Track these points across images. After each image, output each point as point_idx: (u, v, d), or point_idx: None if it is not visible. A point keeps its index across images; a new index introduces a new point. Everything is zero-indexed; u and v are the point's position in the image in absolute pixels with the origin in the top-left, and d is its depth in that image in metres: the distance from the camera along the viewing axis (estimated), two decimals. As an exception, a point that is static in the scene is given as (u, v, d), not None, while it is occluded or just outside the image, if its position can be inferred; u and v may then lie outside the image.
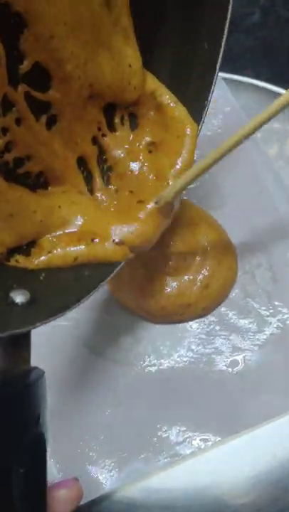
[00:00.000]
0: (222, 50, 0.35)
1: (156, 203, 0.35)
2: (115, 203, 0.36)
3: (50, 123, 0.33)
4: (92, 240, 0.34)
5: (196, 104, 0.36)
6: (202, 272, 0.45)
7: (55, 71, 0.31)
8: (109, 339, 0.45)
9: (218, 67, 0.35)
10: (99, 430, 0.42)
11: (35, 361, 0.39)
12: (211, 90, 0.36)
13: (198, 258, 0.46)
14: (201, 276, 0.45)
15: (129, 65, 0.34)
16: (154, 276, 0.45)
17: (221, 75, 0.53)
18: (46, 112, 0.32)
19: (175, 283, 0.45)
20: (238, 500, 0.40)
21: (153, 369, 0.43)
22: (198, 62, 0.36)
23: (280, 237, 0.47)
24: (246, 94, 0.55)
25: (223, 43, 0.34)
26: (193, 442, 0.41)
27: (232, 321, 0.45)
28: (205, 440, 0.41)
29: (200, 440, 0.41)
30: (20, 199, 0.32)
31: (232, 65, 0.57)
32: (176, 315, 0.45)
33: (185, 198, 0.49)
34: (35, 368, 0.31)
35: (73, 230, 0.34)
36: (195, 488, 0.40)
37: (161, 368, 0.43)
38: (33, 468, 0.29)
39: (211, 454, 0.41)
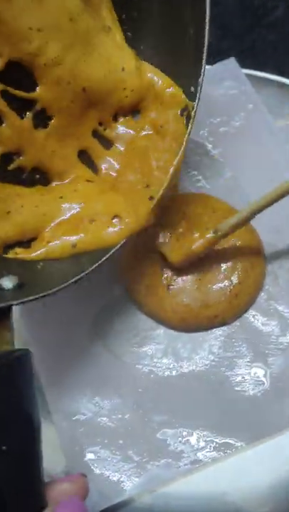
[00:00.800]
0: (207, 34, 0.34)
1: (214, 232, 0.40)
2: (122, 185, 0.36)
3: (44, 122, 0.34)
4: (91, 222, 0.34)
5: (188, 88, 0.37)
6: (232, 278, 0.44)
7: (41, 73, 0.32)
8: (130, 343, 0.44)
9: (205, 53, 0.35)
10: (119, 434, 0.41)
11: (55, 362, 0.39)
12: (201, 78, 0.36)
13: (228, 263, 0.44)
14: (229, 285, 0.44)
15: (122, 69, 0.34)
16: (174, 286, 0.44)
17: (244, 71, 0.52)
18: (31, 110, 0.33)
19: (199, 294, 0.43)
20: (259, 509, 0.39)
21: (173, 372, 0.43)
22: (186, 49, 0.36)
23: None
24: (269, 90, 0.54)
25: (207, 28, 0.34)
26: (215, 448, 0.40)
27: (254, 323, 0.43)
28: (227, 445, 0.40)
29: (221, 445, 0.40)
30: (17, 197, 0.32)
31: (255, 61, 0.56)
32: (200, 326, 0.44)
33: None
34: (20, 349, 0.30)
35: (71, 215, 0.34)
36: (215, 496, 0.40)
37: (181, 371, 0.43)
38: (21, 449, 0.28)
39: (232, 460, 0.40)
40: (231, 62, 0.53)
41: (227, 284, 0.43)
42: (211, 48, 0.51)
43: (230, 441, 0.40)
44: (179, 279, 0.44)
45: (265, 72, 0.55)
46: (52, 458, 0.40)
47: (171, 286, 0.44)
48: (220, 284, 0.44)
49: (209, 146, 0.51)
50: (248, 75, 0.53)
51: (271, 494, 0.39)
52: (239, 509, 0.39)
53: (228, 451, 0.40)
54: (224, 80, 0.52)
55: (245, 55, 0.56)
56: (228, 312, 0.44)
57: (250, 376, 0.42)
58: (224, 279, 0.44)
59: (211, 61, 0.54)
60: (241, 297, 0.44)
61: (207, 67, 0.52)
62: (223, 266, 0.44)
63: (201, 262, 0.44)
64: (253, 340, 0.43)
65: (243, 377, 0.42)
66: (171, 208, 0.44)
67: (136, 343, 0.44)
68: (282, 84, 0.54)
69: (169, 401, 0.42)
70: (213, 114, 0.52)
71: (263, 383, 0.42)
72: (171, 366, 0.43)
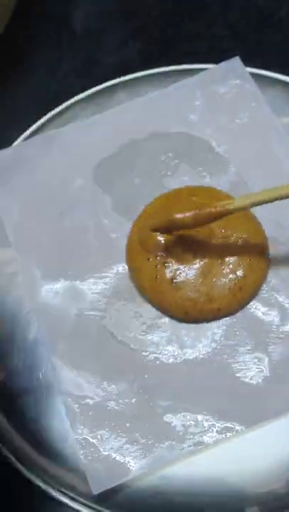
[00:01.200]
0: None
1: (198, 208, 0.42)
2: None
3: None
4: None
5: None
6: (237, 272, 0.45)
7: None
8: (137, 331, 0.46)
9: None
10: (125, 418, 0.43)
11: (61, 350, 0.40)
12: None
13: (233, 257, 0.46)
14: (234, 278, 0.45)
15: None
16: (178, 280, 0.46)
17: (249, 70, 0.54)
18: None
19: (203, 287, 0.45)
20: (260, 490, 0.41)
21: (178, 359, 0.45)
22: None
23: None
24: (274, 89, 0.55)
25: None
26: (217, 431, 0.42)
27: (255, 313, 0.45)
28: (228, 429, 0.42)
29: (223, 429, 0.42)
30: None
31: (260, 61, 0.57)
32: (204, 319, 0.45)
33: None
34: None
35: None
36: (217, 477, 0.41)
37: (185, 358, 0.45)
38: None
39: (234, 443, 0.42)
40: (236, 61, 0.55)
41: (232, 277, 0.45)
42: (217, 47, 0.53)
43: (232, 425, 0.42)
44: (183, 272, 0.46)
45: (270, 71, 0.56)
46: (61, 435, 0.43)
47: (175, 280, 0.46)
48: (224, 279, 0.45)
49: (214, 143, 0.52)
50: (253, 74, 0.55)
51: (273, 475, 0.41)
52: (240, 489, 0.41)
53: (230, 434, 0.42)
54: (229, 78, 0.54)
55: (251, 54, 0.57)
56: (232, 305, 0.45)
57: (251, 363, 0.44)
58: (229, 272, 0.46)
59: (217, 60, 0.56)
60: (246, 290, 0.45)
61: (212, 65, 0.55)
62: (228, 259, 0.46)
63: (205, 255, 0.46)
64: (254, 330, 0.45)
65: (245, 364, 0.44)
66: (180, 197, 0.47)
67: (142, 331, 0.46)
68: (287, 84, 0.56)
69: (173, 386, 0.44)
70: (218, 112, 0.53)
71: (263, 370, 0.43)
72: (176, 353, 0.45)
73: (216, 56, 0.57)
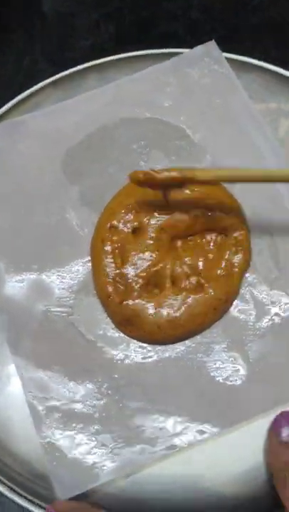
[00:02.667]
0: None
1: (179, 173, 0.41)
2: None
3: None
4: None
5: None
6: (211, 291, 0.43)
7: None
8: (105, 327, 0.44)
9: None
10: (93, 420, 0.41)
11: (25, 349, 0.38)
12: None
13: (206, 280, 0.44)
14: (211, 298, 0.43)
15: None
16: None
17: (226, 55, 0.51)
18: None
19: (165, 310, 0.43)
20: (235, 493, 0.39)
21: (149, 359, 0.42)
22: None
23: (283, 225, 0.46)
24: (251, 75, 0.53)
25: None
26: (191, 433, 0.40)
27: (231, 309, 0.43)
28: (202, 432, 0.40)
29: (197, 432, 0.40)
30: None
31: (239, 45, 0.55)
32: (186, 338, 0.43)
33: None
34: None
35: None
36: (190, 480, 0.39)
37: (157, 357, 0.42)
38: None
39: (207, 445, 0.40)
40: (212, 45, 0.52)
41: (208, 297, 0.43)
42: (192, 31, 0.51)
43: (206, 427, 0.40)
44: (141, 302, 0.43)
45: (247, 56, 0.54)
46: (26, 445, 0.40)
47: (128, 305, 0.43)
48: (201, 300, 0.43)
49: (188, 131, 0.50)
50: (230, 60, 0.53)
51: (248, 477, 0.39)
52: (214, 494, 0.39)
53: (204, 436, 0.40)
54: (204, 63, 0.52)
55: (230, 39, 0.55)
56: (213, 320, 0.43)
57: (227, 362, 0.42)
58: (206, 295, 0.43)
59: (192, 44, 0.53)
60: (221, 309, 0.43)
61: (186, 50, 0.52)
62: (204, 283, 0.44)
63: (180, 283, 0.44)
64: (230, 327, 0.43)
65: (220, 363, 0.42)
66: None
67: (112, 329, 0.44)
68: (265, 70, 0.54)
69: (144, 387, 0.41)
70: (193, 97, 0.51)
71: (239, 370, 0.41)
72: (147, 352, 0.43)
73: (192, 40, 0.54)
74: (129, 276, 0.43)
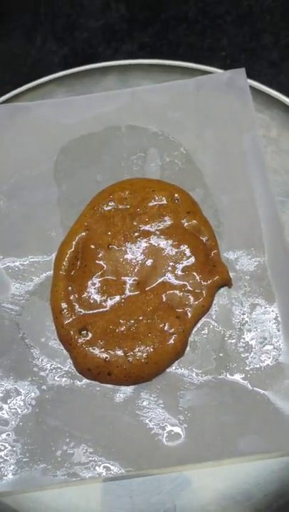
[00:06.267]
0: None
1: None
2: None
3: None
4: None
5: None
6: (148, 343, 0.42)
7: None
8: (48, 336, 0.43)
9: None
10: (11, 425, 0.40)
11: None
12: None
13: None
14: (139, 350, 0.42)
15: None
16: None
17: (250, 82, 0.49)
18: None
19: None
20: None
21: (83, 380, 0.41)
22: None
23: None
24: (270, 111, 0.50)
25: None
26: (96, 468, 0.38)
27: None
28: (108, 469, 0.38)
29: (103, 468, 0.38)
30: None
31: (250, 28, 0.52)
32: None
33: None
34: None
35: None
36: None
37: (91, 381, 0.41)
38: None
39: (106, 485, 0.38)
40: (240, 73, 0.51)
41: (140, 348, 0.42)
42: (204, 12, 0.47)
43: (114, 466, 0.38)
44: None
45: (260, 39, 0.52)
46: None
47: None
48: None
49: (191, 155, 0.49)
50: (254, 90, 0.51)
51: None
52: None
53: (109, 474, 0.38)
54: (227, 89, 0.51)
55: (241, 20, 0.52)
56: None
57: (157, 408, 0.40)
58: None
59: (205, 26, 0.51)
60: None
61: (215, 69, 0.50)
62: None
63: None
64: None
65: (149, 408, 0.40)
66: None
67: (55, 340, 0.43)
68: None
69: (69, 408, 0.40)
70: (206, 122, 0.50)
71: (167, 417, 0.40)
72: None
73: (204, 20, 0.51)
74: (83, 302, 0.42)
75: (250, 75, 0.51)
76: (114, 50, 0.58)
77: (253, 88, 0.50)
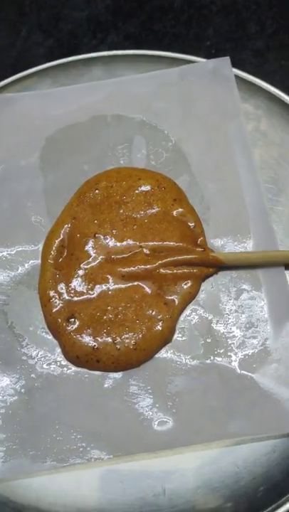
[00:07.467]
0: None
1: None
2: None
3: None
4: None
5: None
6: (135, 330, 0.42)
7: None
8: (37, 326, 0.43)
9: None
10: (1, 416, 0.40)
11: None
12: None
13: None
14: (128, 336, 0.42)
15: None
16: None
17: (236, 72, 0.49)
18: None
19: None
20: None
21: (72, 368, 0.41)
22: None
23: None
24: (255, 99, 0.51)
25: None
26: (86, 453, 0.39)
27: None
28: (97, 454, 0.39)
29: (93, 453, 0.39)
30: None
31: (236, 18, 0.52)
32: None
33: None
34: None
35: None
36: (73, 502, 0.38)
37: (78, 369, 0.41)
38: None
39: (96, 470, 0.38)
40: (225, 62, 0.51)
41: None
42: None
43: (103, 451, 0.39)
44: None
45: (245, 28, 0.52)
46: None
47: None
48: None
49: (178, 143, 0.49)
50: (239, 79, 0.51)
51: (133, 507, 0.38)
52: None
53: (98, 459, 0.38)
54: (212, 78, 0.51)
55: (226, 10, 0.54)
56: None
57: (145, 394, 0.40)
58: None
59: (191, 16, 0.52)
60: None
61: (200, 59, 0.50)
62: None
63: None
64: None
65: (138, 394, 0.40)
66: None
67: (43, 329, 0.43)
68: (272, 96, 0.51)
69: (58, 395, 0.40)
70: (192, 111, 0.50)
71: (155, 403, 0.40)
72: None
73: (190, 10, 0.51)
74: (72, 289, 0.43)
75: (235, 64, 0.51)
76: (99, 41, 0.58)
77: (237, 77, 0.50)
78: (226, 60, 0.50)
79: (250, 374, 0.40)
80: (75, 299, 0.42)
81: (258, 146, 0.48)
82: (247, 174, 0.46)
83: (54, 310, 0.42)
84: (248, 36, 0.58)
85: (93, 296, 0.42)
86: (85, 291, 0.43)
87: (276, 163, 0.48)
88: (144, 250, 0.44)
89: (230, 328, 0.42)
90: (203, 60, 0.52)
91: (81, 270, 0.43)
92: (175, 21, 0.58)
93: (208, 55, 0.52)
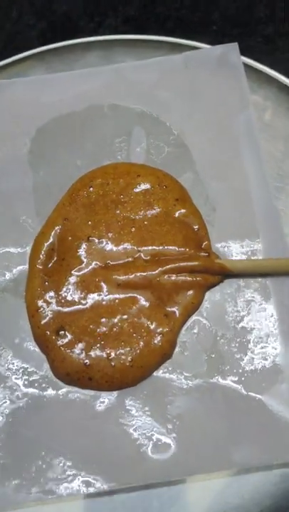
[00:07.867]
0: None
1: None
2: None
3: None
4: None
5: None
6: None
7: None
8: (23, 338, 0.39)
9: None
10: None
11: None
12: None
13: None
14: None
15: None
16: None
17: (244, 60, 0.45)
18: None
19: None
20: None
21: (61, 390, 0.38)
22: None
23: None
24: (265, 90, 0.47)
25: None
26: (75, 484, 0.35)
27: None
28: (88, 484, 0.35)
29: (83, 483, 0.35)
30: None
31: (244, 0, 0.52)
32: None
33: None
34: None
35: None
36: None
37: (67, 390, 0.38)
38: None
39: (86, 502, 0.35)
40: (232, 48, 0.47)
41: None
42: None
43: (95, 481, 0.35)
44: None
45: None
46: None
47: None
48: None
49: (180, 137, 0.45)
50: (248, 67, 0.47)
51: None
52: None
53: (89, 489, 0.35)
54: (219, 65, 0.47)
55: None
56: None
57: (142, 416, 0.36)
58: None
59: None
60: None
61: (204, 45, 0.46)
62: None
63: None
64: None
65: (135, 417, 0.37)
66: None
67: (30, 341, 0.39)
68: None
69: (43, 417, 0.37)
70: (196, 101, 0.46)
71: (153, 425, 0.36)
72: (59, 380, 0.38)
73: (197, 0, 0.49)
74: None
75: (242, 51, 0.47)
76: (96, 25, 0.55)
77: (245, 65, 0.47)
78: (234, 46, 0.47)
79: (258, 395, 0.37)
80: (66, 309, 0.39)
81: (266, 139, 0.45)
82: (255, 172, 0.43)
83: (42, 321, 0.38)
84: (257, 21, 0.54)
85: (86, 306, 0.39)
86: (76, 300, 0.39)
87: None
88: (143, 256, 0.40)
89: (237, 343, 0.38)
90: (209, 46, 0.47)
91: (73, 277, 0.39)
92: (179, 4, 0.54)
93: (214, 41, 0.48)
